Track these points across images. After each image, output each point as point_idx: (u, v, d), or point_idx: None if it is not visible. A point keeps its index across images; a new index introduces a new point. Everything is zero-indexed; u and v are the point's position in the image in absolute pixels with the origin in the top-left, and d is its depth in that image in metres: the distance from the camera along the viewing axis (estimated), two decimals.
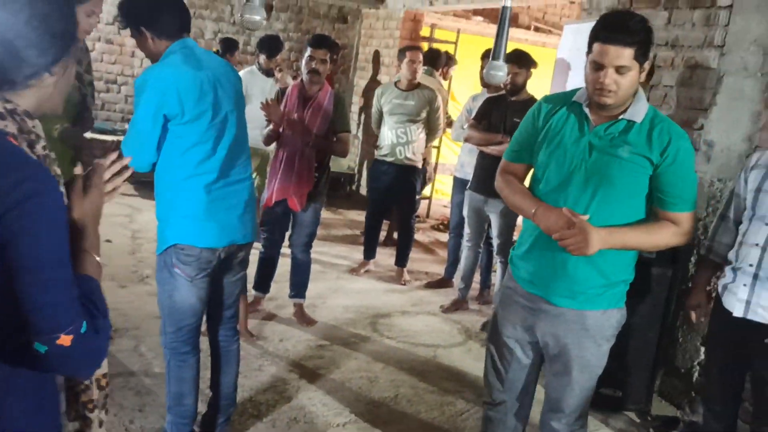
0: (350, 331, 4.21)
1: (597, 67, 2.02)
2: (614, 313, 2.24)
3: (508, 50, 4.21)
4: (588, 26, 4.49)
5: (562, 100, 2.24)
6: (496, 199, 4.07)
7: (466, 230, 4.68)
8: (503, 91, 4.42)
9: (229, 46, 6.22)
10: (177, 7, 2.47)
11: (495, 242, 4.47)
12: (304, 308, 4.28)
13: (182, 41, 2.46)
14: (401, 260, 5.35)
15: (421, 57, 5.15)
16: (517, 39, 8.23)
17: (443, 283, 5.25)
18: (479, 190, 4.42)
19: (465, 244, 4.71)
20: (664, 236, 2.14)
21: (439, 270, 5.52)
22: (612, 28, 2.02)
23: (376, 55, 7.71)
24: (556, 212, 2.08)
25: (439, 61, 6.22)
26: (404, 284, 5.23)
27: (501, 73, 2.35)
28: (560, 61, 4.77)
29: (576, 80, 4.55)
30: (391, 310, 4.66)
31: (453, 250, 5.18)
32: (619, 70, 2.00)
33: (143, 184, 7.50)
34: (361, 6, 7.95)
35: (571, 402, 2.31)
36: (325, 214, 6.85)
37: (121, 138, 7.09)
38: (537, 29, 8.55)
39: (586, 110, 2.13)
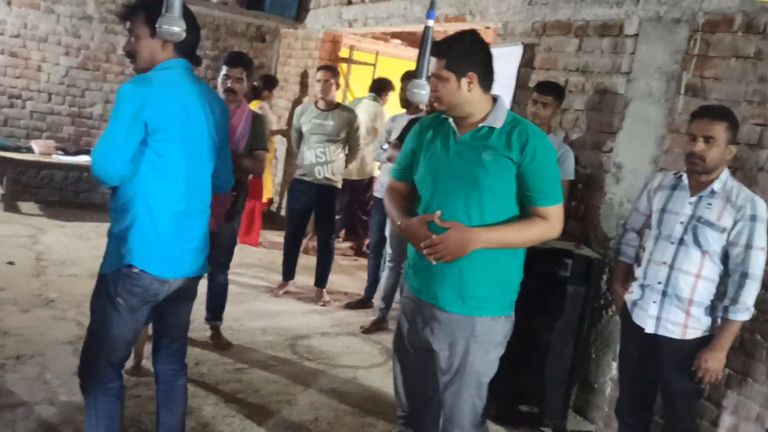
0: (269, 353, 4.12)
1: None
2: (502, 321, 2.33)
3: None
4: (502, 51, 4.63)
5: (435, 118, 2.44)
6: None
7: (388, 251, 4.68)
8: (423, 113, 4.48)
9: (269, 83, 6.95)
10: (193, 24, 2.34)
11: None
12: (221, 331, 4.16)
13: (182, 60, 2.38)
14: (320, 281, 5.29)
15: (331, 76, 5.13)
16: None
17: (363, 303, 5.23)
18: None
19: (387, 264, 4.71)
20: (536, 231, 2.26)
21: (359, 290, 5.51)
22: (434, 44, 2.34)
23: (304, 76, 7.65)
24: (416, 220, 2.28)
25: (385, 88, 6.85)
26: (324, 305, 5.18)
27: (423, 91, 2.39)
28: None
29: None
30: (310, 332, 4.60)
31: (373, 270, 5.17)
32: (438, 77, 2.27)
33: (48, 203, 7.18)
34: (280, 26, 7.91)
35: (462, 410, 2.36)
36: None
37: (24, 156, 6.73)
38: None
39: (452, 124, 2.33)
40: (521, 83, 4.45)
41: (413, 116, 4.64)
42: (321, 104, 5.14)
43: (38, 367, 3.48)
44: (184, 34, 2.19)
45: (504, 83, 4.50)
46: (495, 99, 2.33)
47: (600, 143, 3.86)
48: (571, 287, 3.47)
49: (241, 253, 6.24)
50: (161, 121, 2.27)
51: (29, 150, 6.87)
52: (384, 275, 4.78)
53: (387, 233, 4.66)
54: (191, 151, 2.39)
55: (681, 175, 2.79)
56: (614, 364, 3.60)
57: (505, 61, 4.53)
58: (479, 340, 2.29)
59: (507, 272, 2.33)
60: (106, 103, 7.58)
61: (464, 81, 2.25)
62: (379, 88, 6.87)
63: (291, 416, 3.37)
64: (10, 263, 5.01)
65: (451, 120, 2.34)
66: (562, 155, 3.79)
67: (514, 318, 2.38)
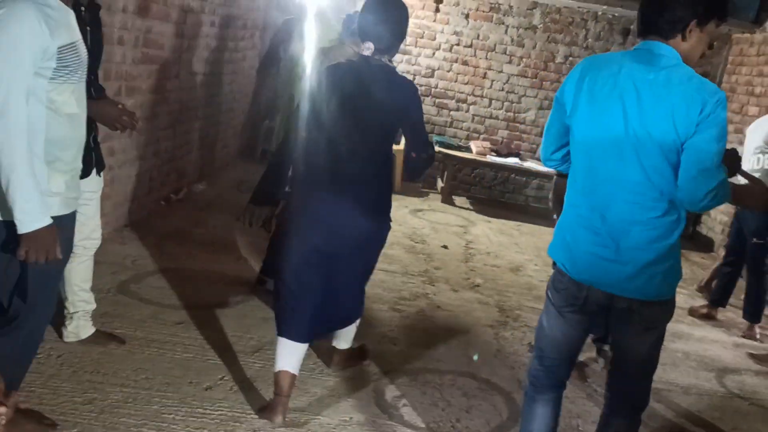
0: (692, 380, 3.72)
1: None
2: None
3: None
4: None
5: None
6: None
7: None
8: None
9: None
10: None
11: None
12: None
13: (648, 42, 2.07)
14: (751, 315, 4.59)
15: None
16: None
17: None
18: None
19: None
20: None
21: None
22: None
23: (756, 85, 6.87)
24: None
25: None
26: (758, 340, 4.51)
27: None
28: None
29: None
30: (741, 367, 4.03)
31: None
32: None
33: (478, 199, 7.76)
34: (733, 30, 7.19)
35: None
36: None
37: (463, 154, 7.30)
38: None
39: None
40: None
41: None
42: None
43: (464, 343, 3.73)
44: None
45: None
46: None
47: None
48: None
49: None
50: (570, 100, 2.12)
51: (467, 149, 7.51)
52: None
53: None
54: (594, 144, 2.09)
55: None
56: None
57: None
58: None
59: None
60: (539, 110, 7.87)
61: None
62: None
63: None
64: (444, 247, 5.52)
65: None
66: None
67: None
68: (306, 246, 2.65)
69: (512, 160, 7.46)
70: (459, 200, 7.59)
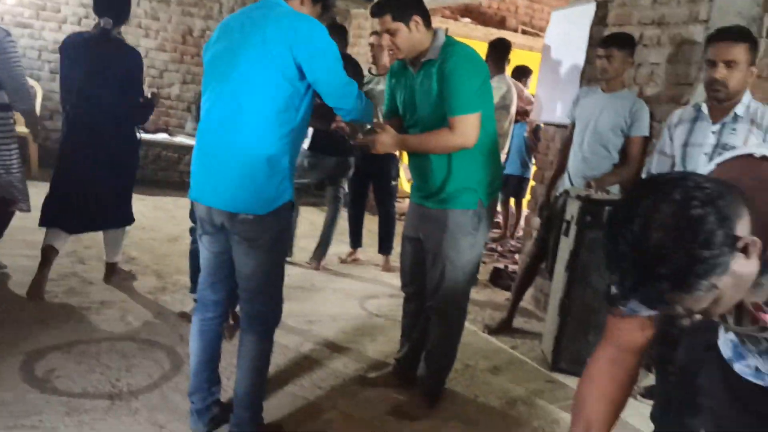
0: (339, 310, 4.19)
1: None
2: (470, 214, 2.73)
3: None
4: (573, 11, 4.53)
5: (397, 65, 2.88)
6: None
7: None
8: None
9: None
10: None
11: None
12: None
13: None
14: (386, 248, 5.31)
15: (380, 40, 4.77)
16: None
17: None
18: None
19: None
20: (439, 139, 2.60)
21: None
22: (373, 6, 2.63)
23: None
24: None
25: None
26: (391, 270, 5.21)
27: None
28: (547, 47, 4.82)
29: (564, 67, 4.60)
30: (377, 293, 4.64)
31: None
32: (389, 32, 2.60)
33: None
34: (350, 6, 8.01)
35: (441, 286, 2.82)
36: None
37: None
38: (524, 32, 8.64)
39: (408, 64, 2.75)
40: (594, 43, 4.36)
41: None
42: (374, 69, 5.11)
43: (121, 311, 3.65)
44: None
45: (576, 45, 4.43)
46: (435, 33, 2.64)
47: (677, 96, 3.74)
48: None
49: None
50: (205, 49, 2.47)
51: None
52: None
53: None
54: (210, 75, 2.36)
55: (700, 107, 2.70)
56: None
57: (577, 21, 4.46)
58: (450, 231, 2.72)
59: (471, 173, 2.69)
60: (183, 84, 7.85)
61: (412, 25, 2.56)
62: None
63: (359, 363, 3.43)
64: None
65: (407, 61, 2.70)
66: (636, 111, 3.69)
67: (486, 212, 2.78)
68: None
69: (161, 136, 7.35)
70: None
